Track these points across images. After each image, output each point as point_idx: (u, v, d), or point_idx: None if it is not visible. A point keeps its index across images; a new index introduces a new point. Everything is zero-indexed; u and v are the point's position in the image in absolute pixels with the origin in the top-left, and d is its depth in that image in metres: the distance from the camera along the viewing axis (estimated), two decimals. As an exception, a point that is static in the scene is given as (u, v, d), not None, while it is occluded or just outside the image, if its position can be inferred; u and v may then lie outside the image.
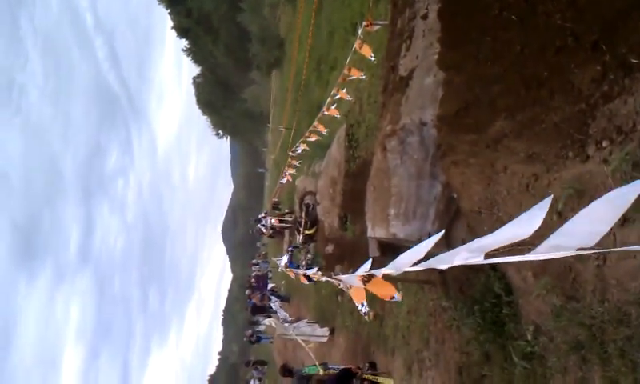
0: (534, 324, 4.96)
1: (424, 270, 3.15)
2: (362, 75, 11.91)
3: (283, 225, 24.00)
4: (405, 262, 3.29)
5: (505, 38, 5.14)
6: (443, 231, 3.12)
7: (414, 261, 3.15)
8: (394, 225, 6.66)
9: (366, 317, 5.56)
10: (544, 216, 2.05)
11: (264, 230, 26.60)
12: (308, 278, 10.37)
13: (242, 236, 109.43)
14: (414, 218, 6.46)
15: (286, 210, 25.11)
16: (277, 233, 25.90)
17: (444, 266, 2.79)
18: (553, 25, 4.50)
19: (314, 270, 7.73)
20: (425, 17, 6.66)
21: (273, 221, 24.82)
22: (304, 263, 17.37)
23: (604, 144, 3.93)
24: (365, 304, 6.43)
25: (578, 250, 1.97)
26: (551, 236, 2.00)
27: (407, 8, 7.03)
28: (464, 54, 5.81)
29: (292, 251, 20.00)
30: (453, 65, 6.05)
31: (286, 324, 17.71)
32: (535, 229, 2.09)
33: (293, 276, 15.05)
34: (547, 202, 2.03)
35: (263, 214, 28.29)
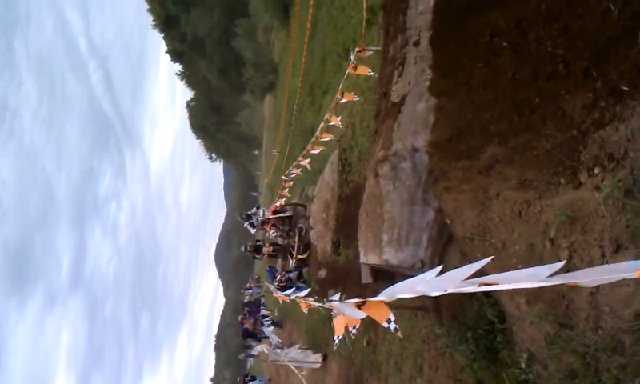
0: (528, 351, 4.90)
1: (417, 296, 3.11)
2: (355, 97, 11.92)
3: (281, 215, 20.36)
4: (398, 291, 3.26)
5: (496, 64, 5.17)
6: (441, 266, 3.07)
7: (409, 294, 3.12)
8: (386, 251, 6.61)
9: (359, 340, 5.51)
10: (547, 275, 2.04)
11: (251, 230, 22.26)
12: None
13: (235, 260, 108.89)
14: (407, 245, 6.42)
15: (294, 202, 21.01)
16: (276, 250, 22.02)
17: (437, 293, 2.75)
18: (544, 51, 4.54)
19: (305, 292, 7.67)
20: (417, 43, 6.70)
21: (267, 213, 21.10)
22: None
23: (596, 171, 3.93)
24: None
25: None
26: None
27: (399, 35, 7.07)
28: (456, 81, 5.84)
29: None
30: (445, 91, 6.07)
31: (278, 350, 17.55)
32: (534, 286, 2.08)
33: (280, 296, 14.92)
34: (556, 266, 2.02)
35: (255, 210, 22.86)
